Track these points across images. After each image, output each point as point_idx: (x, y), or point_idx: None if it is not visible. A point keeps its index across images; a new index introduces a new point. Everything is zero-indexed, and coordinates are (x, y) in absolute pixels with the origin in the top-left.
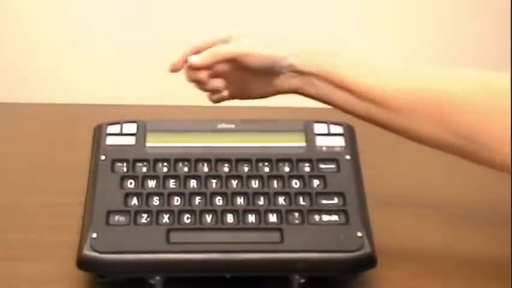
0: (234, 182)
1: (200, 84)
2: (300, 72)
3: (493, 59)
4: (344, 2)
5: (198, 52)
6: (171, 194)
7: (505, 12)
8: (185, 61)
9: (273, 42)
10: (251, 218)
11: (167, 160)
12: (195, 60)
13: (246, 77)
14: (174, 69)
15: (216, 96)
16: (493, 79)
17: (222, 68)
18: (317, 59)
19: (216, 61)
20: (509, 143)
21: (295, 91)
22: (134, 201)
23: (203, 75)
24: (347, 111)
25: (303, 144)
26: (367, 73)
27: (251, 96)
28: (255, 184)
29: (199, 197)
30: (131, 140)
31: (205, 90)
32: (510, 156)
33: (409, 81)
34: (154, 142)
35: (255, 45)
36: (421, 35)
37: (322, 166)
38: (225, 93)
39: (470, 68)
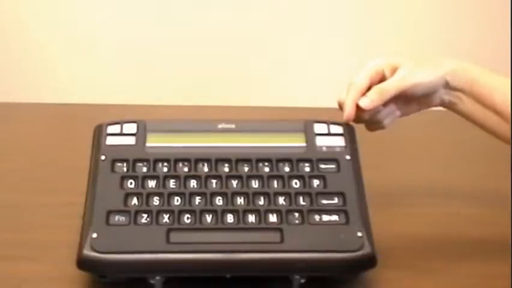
0: (234, 182)
1: (372, 122)
2: (454, 89)
3: (493, 60)
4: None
5: (362, 93)
6: (171, 194)
7: (505, 12)
8: (355, 105)
9: (429, 64)
10: (251, 218)
11: (167, 160)
12: (367, 103)
13: (408, 102)
14: (350, 119)
15: (386, 121)
16: None
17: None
18: (470, 76)
19: (386, 100)
20: None
21: (443, 105)
22: (134, 201)
23: (381, 114)
24: (487, 130)
25: (303, 144)
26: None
27: (409, 114)
28: (255, 184)
29: (199, 197)
30: (131, 140)
31: (377, 126)
32: None
33: None
34: (154, 142)
35: (415, 74)
36: (419, 35)
37: (322, 166)
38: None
39: None
